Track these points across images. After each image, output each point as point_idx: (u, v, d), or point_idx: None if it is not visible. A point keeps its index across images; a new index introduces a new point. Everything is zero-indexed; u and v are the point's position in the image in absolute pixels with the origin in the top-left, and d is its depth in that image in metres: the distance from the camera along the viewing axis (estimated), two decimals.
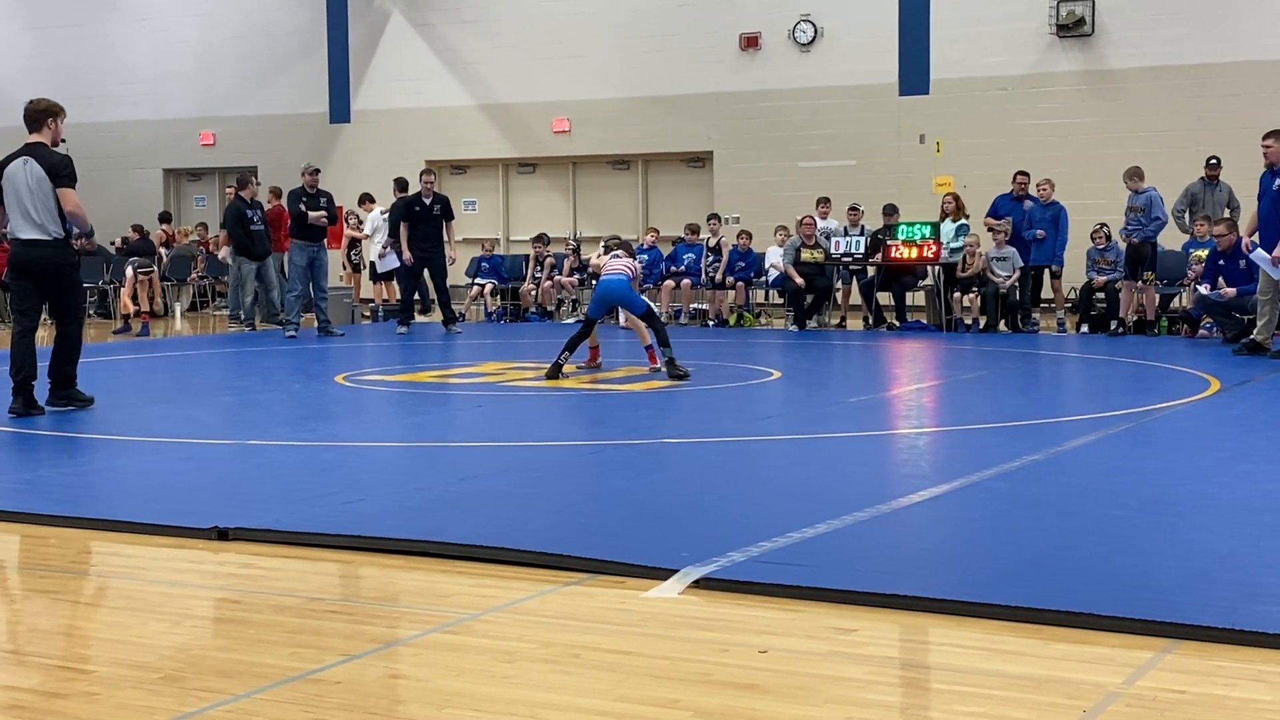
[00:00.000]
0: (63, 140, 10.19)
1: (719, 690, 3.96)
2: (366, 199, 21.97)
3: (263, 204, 19.27)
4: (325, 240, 18.03)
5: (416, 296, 19.17)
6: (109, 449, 8.45)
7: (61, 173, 9.73)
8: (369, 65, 25.36)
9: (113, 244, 23.95)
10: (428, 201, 17.82)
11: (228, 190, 25.19)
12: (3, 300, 19.44)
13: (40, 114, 9.94)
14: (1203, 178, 16.77)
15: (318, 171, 18.26)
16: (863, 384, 12.43)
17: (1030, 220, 17.52)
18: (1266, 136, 13.45)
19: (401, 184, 20.56)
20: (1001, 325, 17.30)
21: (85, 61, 27.31)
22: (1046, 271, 17.54)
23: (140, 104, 27.01)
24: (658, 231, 20.87)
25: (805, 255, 18.27)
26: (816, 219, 18.78)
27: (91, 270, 22.21)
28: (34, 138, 9.92)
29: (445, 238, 17.97)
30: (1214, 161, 16.63)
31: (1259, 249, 13.27)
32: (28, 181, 9.70)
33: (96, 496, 6.80)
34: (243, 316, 19.03)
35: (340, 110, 25.56)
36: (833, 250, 18.34)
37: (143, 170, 27.25)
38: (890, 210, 18.58)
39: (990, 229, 17.55)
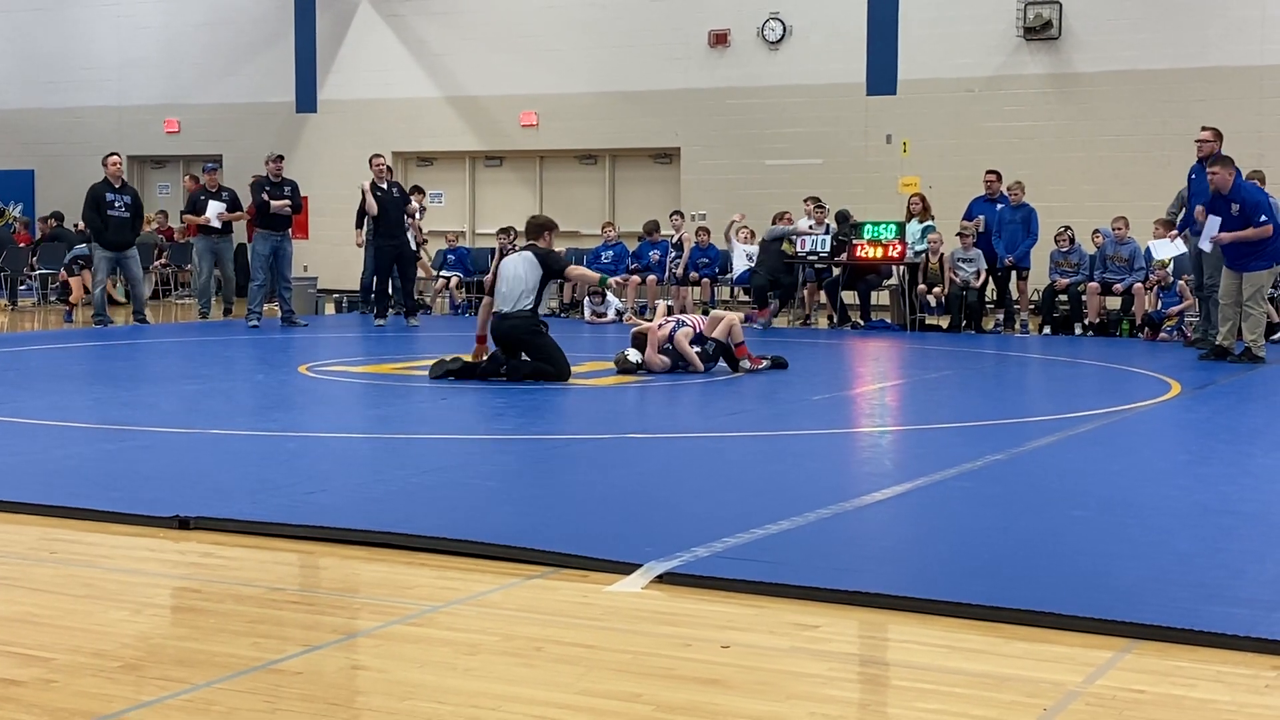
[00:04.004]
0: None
1: (681, 685, 3.97)
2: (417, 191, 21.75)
3: (135, 189, 18.60)
4: (289, 230, 17.90)
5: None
6: (70, 436, 8.38)
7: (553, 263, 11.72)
8: (336, 55, 25.24)
9: (76, 226, 23.77)
10: (385, 186, 17.57)
11: (186, 179, 25.06)
12: None
13: (538, 228, 11.89)
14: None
15: (281, 159, 18.08)
16: (826, 382, 12.45)
17: (999, 221, 17.59)
18: (1211, 165, 13.59)
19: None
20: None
21: (49, 46, 27.09)
22: (1014, 273, 17.58)
23: (104, 90, 26.80)
24: (614, 227, 20.87)
25: (784, 246, 18.28)
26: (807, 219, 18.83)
27: (55, 256, 22.05)
28: (531, 241, 11.85)
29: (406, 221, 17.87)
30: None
31: (1214, 218, 13.42)
32: (519, 268, 11.47)
33: (57, 484, 6.73)
34: (93, 311, 17.76)
35: (307, 100, 25.43)
36: (799, 248, 18.38)
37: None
38: (842, 217, 18.58)
39: (960, 233, 17.58)
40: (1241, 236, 13.23)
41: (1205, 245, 13.70)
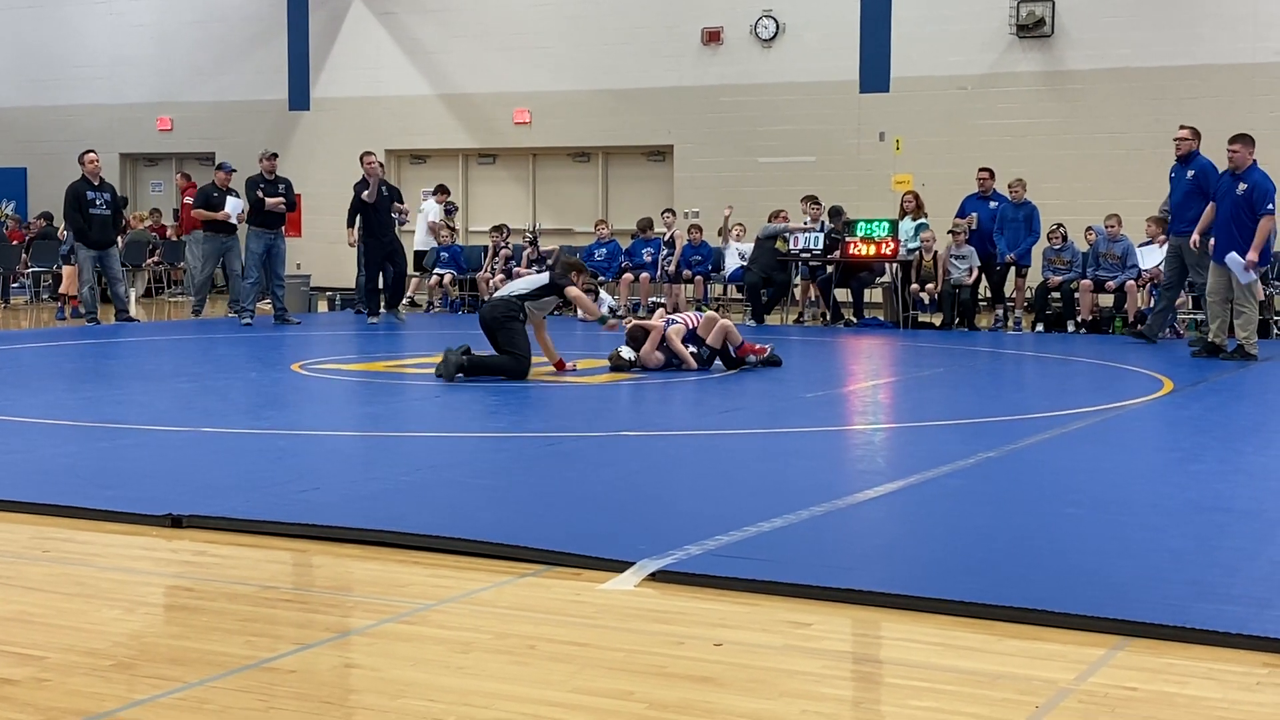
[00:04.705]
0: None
1: (674, 683, 3.97)
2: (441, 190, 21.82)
3: (114, 187, 18.40)
4: (283, 228, 17.87)
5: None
6: (63, 434, 8.38)
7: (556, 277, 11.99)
8: (329, 53, 25.20)
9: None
10: (372, 184, 17.55)
11: (178, 178, 25.04)
12: None
13: (567, 266, 12.24)
14: None
15: (275, 157, 18.06)
16: (820, 380, 12.46)
17: (1000, 219, 17.58)
18: (1233, 141, 13.52)
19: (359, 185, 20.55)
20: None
21: (42, 43, 27.04)
22: (1012, 270, 17.58)
23: (97, 87, 26.74)
24: (607, 224, 20.91)
25: (778, 244, 18.29)
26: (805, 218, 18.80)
27: (48, 254, 22.01)
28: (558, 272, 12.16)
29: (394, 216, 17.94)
30: None
31: (1233, 254, 13.27)
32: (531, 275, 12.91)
33: (50, 482, 6.72)
34: (83, 310, 17.54)
35: (299, 97, 25.40)
36: (792, 246, 18.38)
37: (98, 154, 26.93)
38: (835, 212, 18.57)
39: (952, 230, 17.58)
40: (1259, 242, 13.07)
41: (1246, 278, 13.25)
